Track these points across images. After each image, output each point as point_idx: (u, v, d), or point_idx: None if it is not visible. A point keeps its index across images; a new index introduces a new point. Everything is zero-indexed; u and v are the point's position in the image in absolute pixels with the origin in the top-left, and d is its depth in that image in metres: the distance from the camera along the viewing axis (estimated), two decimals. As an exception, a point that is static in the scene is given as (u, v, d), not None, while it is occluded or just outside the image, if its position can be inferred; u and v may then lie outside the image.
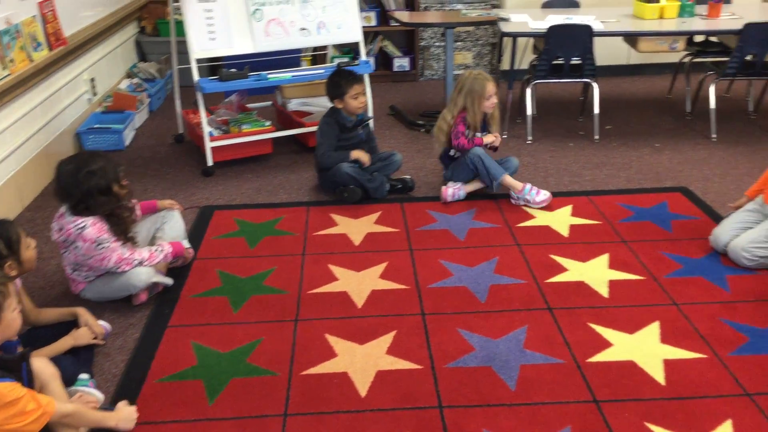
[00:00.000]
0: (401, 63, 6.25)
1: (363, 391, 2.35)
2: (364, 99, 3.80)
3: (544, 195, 3.64)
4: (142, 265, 2.80)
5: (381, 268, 3.12)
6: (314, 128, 4.37)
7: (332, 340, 2.63)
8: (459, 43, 6.18)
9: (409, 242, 3.35)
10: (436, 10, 5.96)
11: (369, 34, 6.13)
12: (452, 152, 3.81)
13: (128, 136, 4.77)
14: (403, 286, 2.97)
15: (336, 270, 3.12)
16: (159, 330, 2.71)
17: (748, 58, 4.43)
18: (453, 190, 3.75)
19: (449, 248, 3.28)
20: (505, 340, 2.60)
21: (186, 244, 3.14)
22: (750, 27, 4.30)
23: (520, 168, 4.02)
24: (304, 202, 3.82)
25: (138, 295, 2.86)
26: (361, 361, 2.50)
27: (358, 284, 3.00)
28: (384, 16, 6.10)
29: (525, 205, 3.67)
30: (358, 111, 3.80)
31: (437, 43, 6.18)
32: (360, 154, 3.79)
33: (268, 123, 4.39)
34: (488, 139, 3.77)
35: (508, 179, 3.70)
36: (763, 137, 4.65)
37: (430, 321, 2.73)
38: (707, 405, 2.26)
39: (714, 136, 4.62)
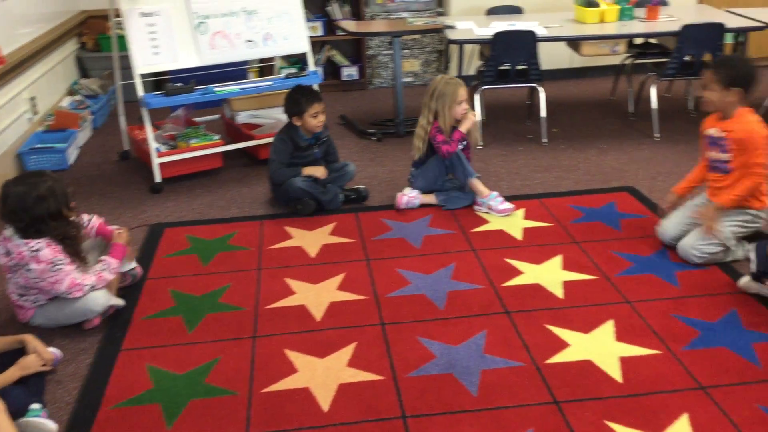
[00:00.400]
0: (349, 72, 6.26)
1: (325, 405, 2.33)
2: (323, 118, 3.76)
3: (507, 205, 3.67)
4: (94, 289, 2.72)
5: (338, 279, 3.10)
6: (265, 140, 4.35)
7: (292, 355, 2.60)
8: (406, 51, 6.21)
9: (366, 252, 3.34)
10: (382, 19, 5.99)
11: (316, 44, 6.11)
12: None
13: (72, 154, 4.65)
14: (361, 297, 2.96)
15: (293, 283, 3.08)
16: (112, 354, 2.63)
17: (687, 58, 4.57)
18: (408, 198, 3.75)
19: (406, 256, 3.28)
20: (465, 345, 2.61)
21: (132, 264, 3.07)
22: (687, 28, 4.44)
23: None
24: (257, 216, 3.77)
25: (91, 319, 2.78)
26: (322, 375, 2.47)
27: (315, 297, 2.97)
28: (330, 26, 6.10)
29: (486, 212, 3.69)
30: (316, 129, 3.76)
31: (385, 52, 6.20)
32: (312, 170, 3.75)
33: (216, 137, 4.33)
34: (465, 126, 3.72)
35: (477, 185, 3.72)
36: (704, 135, 4.79)
37: (389, 331, 2.72)
38: (664, 400, 2.30)
39: (657, 135, 4.74)
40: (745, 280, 2.89)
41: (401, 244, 3.40)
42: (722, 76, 3.01)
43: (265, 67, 5.47)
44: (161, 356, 2.61)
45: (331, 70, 6.35)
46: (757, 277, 2.83)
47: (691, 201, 3.32)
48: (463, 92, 3.68)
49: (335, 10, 6.06)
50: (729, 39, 4.73)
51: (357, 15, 6.09)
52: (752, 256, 2.85)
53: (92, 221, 3.00)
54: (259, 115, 4.71)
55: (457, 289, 2.99)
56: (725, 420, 2.20)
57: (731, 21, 4.67)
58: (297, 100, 3.71)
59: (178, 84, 4.06)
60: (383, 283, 3.06)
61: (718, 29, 4.45)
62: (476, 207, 3.73)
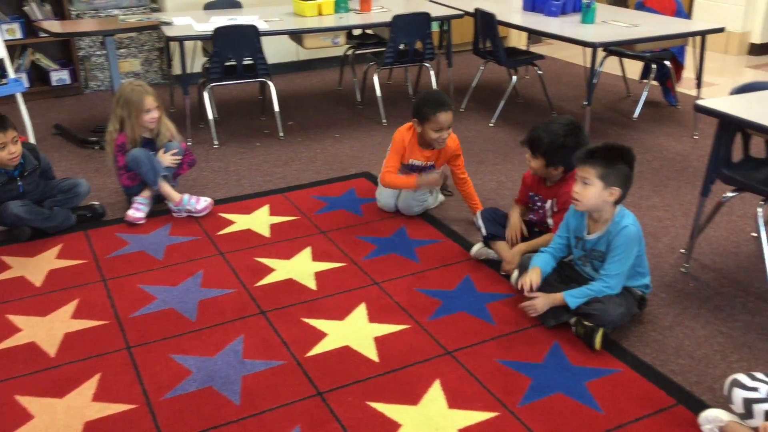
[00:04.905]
0: (60, 76, 5.68)
1: (71, 450, 2.09)
2: (14, 149, 3.18)
3: (205, 202, 3.56)
4: None
5: (72, 306, 2.80)
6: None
7: (25, 401, 2.28)
8: (123, 51, 5.80)
9: (101, 272, 3.06)
10: (90, 17, 5.52)
11: (15, 48, 5.45)
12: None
13: None
14: (100, 322, 2.70)
15: (17, 319, 2.72)
16: None
17: (402, 47, 4.87)
18: (136, 211, 3.48)
19: (148, 270, 3.07)
20: (223, 354, 2.51)
21: None
22: (398, 18, 4.72)
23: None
24: (-37, 249, 3.27)
25: None
26: (64, 417, 2.21)
27: (46, 330, 2.65)
28: (30, 27, 5.47)
29: (191, 216, 3.55)
30: (10, 163, 3.21)
31: (98, 52, 5.73)
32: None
33: None
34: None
35: (166, 188, 3.53)
36: (424, 117, 5.15)
37: (137, 353, 2.52)
38: (417, 371, 2.43)
39: (384, 121, 5.00)
40: (476, 248, 3.16)
41: (141, 258, 3.17)
42: None
43: (-46, 77, 4.75)
44: None
45: (38, 75, 5.71)
46: (486, 241, 3.11)
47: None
48: (150, 100, 3.48)
49: (34, 10, 5.44)
50: (435, 27, 5.13)
51: (61, 14, 5.54)
52: (480, 223, 3.12)
53: None
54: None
55: (208, 296, 2.87)
56: (471, 378, 2.38)
57: (435, 10, 5.07)
58: None
59: None
60: (125, 303, 2.83)
61: (426, 18, 4.80)
62: (174, 214, 3.56)
